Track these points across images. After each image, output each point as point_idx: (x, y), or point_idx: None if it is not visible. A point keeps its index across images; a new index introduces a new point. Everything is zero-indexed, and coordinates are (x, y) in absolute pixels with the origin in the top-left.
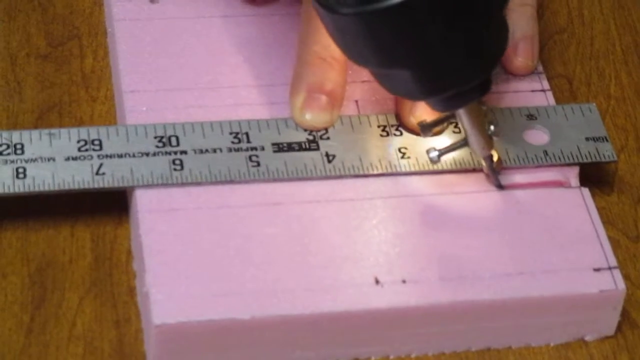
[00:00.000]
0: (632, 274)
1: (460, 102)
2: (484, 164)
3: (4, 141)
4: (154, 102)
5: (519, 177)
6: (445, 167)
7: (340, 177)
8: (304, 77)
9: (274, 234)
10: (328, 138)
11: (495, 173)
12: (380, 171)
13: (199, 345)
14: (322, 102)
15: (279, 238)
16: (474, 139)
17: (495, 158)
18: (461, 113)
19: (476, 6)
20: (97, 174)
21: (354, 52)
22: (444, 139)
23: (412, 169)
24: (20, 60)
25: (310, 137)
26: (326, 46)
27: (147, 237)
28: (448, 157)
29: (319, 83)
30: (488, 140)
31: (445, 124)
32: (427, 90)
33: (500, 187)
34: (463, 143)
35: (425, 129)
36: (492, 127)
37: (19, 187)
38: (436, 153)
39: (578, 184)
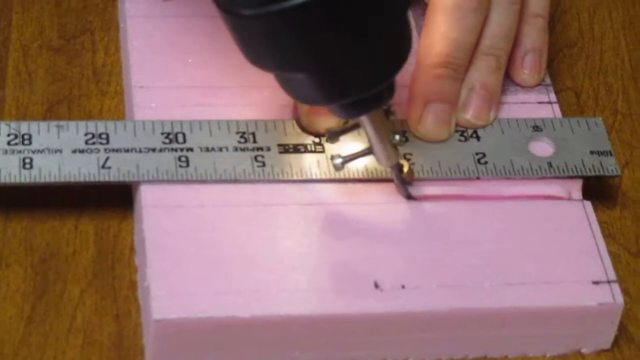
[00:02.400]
0: (632, 289)
1: (362, 110)
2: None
3: (12, 131)
4: (163, 98)
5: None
6: (453, 175)
7: (345, 180)
8: None
9: (276, 235)
10: None
11: (404, 184)
12: (384, 176)
13: (198, 341)
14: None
15: (281, 239)
16: (378, 147)
17: (405, 169)
18: (364, 121)
19: (376, 12)
20: (103, 167)
21: (254, 55)
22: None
23: (417, 176)
24: (32, 52)
25: (317, 140)
26: None
27: (150, 232)
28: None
29: None
30: (393, 150)
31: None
32: (327, 96)
33: (410, 197)
34: (367, 151)
35: (333, 136)
36: (397, 137)
37: (25, 177)
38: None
39: (581, 197)
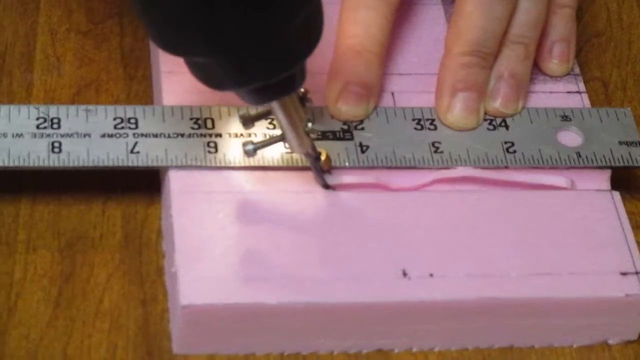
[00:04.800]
0: None
1: (273, 95)
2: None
3: (41, 115)
4: (191, 84)
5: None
6: (482, 164)
7: (373, 168)
8: (341, 69)
9: (304, 222)
10: (362, 129)
11: (320, 172)
12: (412, 164)
13: (224, 327)
14: (358, 95)
15: (309, 226)
16: (289, 134)
17: (323, 157)
18: (275, 107)
19: None
20: (131, 152)
21: (161, 40)
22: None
23: (445, 165)
24: (60, 36)
25: (345, 127)
26: (363, 40)
27: (178, 218)
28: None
29: (355, 76)
30: (305, 137)
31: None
32: (234, 81)
33: (327, 186)
34: (280, 138)
35: (247, 122)
36: (309, 124)
37: (54, 161)
38: (251, 147)
39: (609, 187)
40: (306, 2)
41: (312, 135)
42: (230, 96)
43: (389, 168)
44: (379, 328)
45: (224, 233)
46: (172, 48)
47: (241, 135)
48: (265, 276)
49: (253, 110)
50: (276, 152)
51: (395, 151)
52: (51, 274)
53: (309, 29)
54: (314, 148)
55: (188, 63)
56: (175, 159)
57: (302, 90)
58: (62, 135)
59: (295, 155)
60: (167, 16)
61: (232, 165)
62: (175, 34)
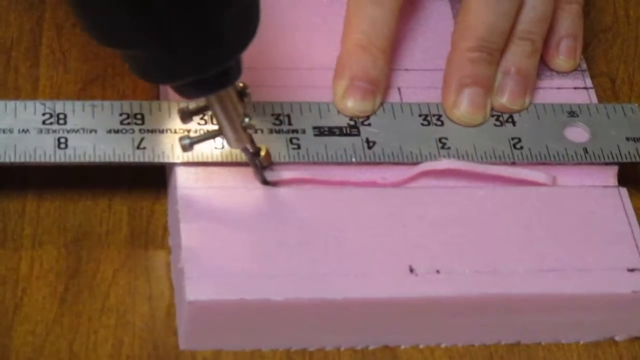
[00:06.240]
0: None
1: (208, 90)
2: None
3: (47, 110)
4: None
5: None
6: (489, 160)
7: (379, 163)
8: (348, 64)
9: (310, 218)
10: (369, 124)
11: (258, 168)
12: (419, 160)
13: (231, 323)
14: (364, 91)
15: (316, 222)
16: (226, 129)
17: (263, 152)
18: (212, 101)
19: None
20: (137, 148)
21: (94, 32)
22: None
23: (452, 159)
24: (66, 31)
25: (352, 123)
26: (369, 35)
27: (185, 214)
28: None
29: (362, 71)
30: (242, 133)
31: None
32: (168, 75)
33: (266, 182)
34: (217, 132)
35: (185, 116)
36: (246, 120)
37: (60, 157)
38: (188, 141)
39: (616, 183)
40: None
41: (250, 131)
42: None
43: (396, 164)
44: (386, 324)
45: (231, 229)
46: (107, 41)
47: None
48: (271, 272)
49: (192, 105)
50: (282, 149)
51: (402, 147)
52: (57, 269)
53: (243, 22)
54: (252, 143)
55: (124, 57)
56: (182, 155)
57: (240, 84)
58: (68, 131)
59: (302, 152)
60: (100, 9)
61: (237, 161)
62: (108, 27)
